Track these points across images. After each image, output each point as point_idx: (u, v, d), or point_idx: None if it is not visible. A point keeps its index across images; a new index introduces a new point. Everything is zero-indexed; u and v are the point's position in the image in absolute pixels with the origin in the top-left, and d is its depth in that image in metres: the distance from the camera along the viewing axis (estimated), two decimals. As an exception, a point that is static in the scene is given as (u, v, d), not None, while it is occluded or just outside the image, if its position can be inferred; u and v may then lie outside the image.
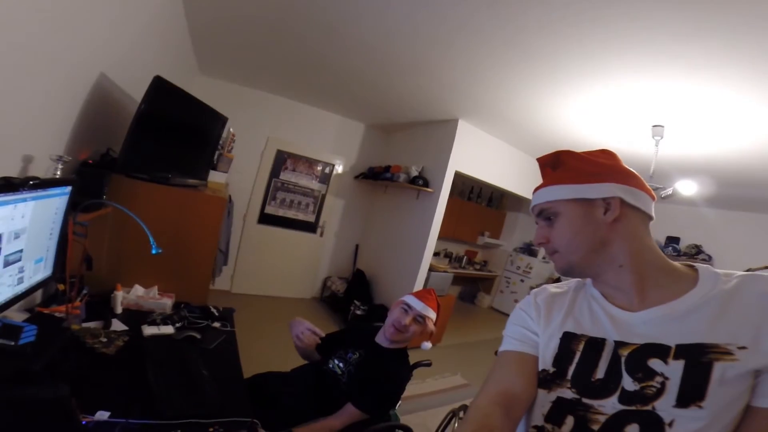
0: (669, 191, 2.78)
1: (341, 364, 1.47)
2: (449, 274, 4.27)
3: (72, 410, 0.76)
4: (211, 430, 0.98)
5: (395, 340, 1.47)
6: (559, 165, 0.71)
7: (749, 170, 2.91)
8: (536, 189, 0.74)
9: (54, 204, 1.11)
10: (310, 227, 4.68)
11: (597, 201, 0.65)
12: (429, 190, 3.80)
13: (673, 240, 4.74)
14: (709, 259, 4.41)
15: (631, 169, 0.69)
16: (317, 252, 4.78)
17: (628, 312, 0.63)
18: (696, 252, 4.51)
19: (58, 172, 1.27)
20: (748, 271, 0.64)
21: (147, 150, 1.79)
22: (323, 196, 4.70)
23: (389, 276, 4.23)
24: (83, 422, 0.82)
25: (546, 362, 0.67)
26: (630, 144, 2.97)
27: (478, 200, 6.25)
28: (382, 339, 1.51)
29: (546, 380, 0.66)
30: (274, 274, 4.50)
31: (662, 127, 2.47)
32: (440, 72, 2.64)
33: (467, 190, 6.09)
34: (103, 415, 0.89)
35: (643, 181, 0.67)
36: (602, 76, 2.10)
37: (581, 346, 0.64)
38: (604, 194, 0.64)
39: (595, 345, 0.63)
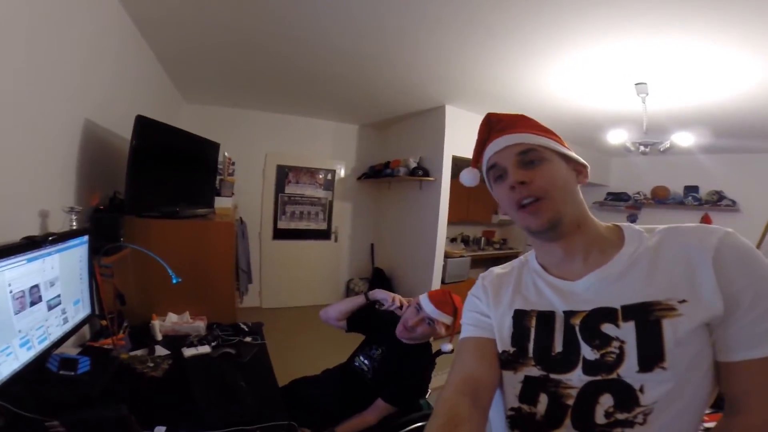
0: (667, 144, 2.77)
1: (366, 361, 1.53)
2: (466, 258, 4.30)
3: (133, 427, 0.86)
4: (256, 435, 1.05)
5: (403, 337, 1.48)
6: (523, 124, 0.70)
7: (746, 116, 2.87)
8: (507, 132, 0.68)
9: (77, 253, 1.23)
10: (323, 234, 4.80)
11: (572, 164, 0.66)
12: (430, 179, 3.85)
13: (691, 189, 4.62)
14: (733, 204, 4.29)
15: None
16: (335, 257, 4.89)
17: (570, 281, 0.63)
18: (718, 198, 4.36)
19: (74, 223, 1.37)
20: None
21: (149, 188, 1.89)
22: (330, 203, 4.81)
23: (408, 269, 4.30)
24: None
25: (504, 343, 0.66)
26: (616, 103, 2.97)
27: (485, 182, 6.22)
28: (398, 334, 1.51)
29: (509, 361, 0.65)
30: (298, 285, 4.64)
31: (645, 84, 2.47)
32: (416, 62, 2.67)
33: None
34: (160, 429, 0.99)
35: None
36: (576, 39, 2.10)
37: (533, 322, 0.64)
38: (579, 159, 0.67)
39: (546, 318, 0.63)
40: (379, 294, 1.70)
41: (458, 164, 3.96)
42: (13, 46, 1.12)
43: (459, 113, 3.77)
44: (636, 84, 2.50)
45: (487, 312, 0.72)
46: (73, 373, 1.05)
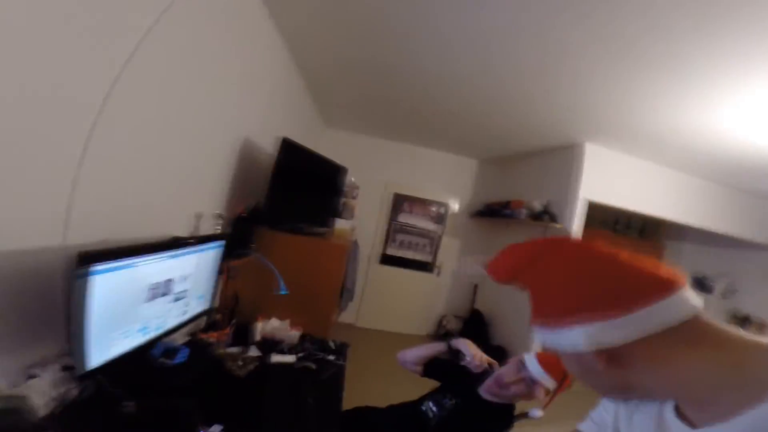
0: None
1: (435, 408, 1.44)
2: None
3: (193, 420, 0.98)
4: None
5: (492, 393, 1.36)
6: (519, 283, 0.57)
7: None
8: None
9: (212, 254, 1.49)
10: (427, 267, 4.80)
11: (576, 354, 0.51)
12: (557, 225, 3.47)
13: None
14: None
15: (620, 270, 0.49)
16: (434, 291, 4.82)
17: (687, 426, 0.47)
18: None
19: (219, 227, 1.69)
20: None
21: (284, 203, 2.21)
22: (439, 237, 4.79)
23: (511, 317, 3.92)
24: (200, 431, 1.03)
25: None
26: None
27: (627, 231, 5.34)
28: (483, 390, 1.41)
29: None
30: (393, 311, 4.72)
31: None
32: (553, 96, 2.49)
33: (611, 220, 5.29)
34: (216, 428, 1.09)
35: (652, 279, 0.47)
36: (758, 72, 1.68)
37: None
38: (572, 346, 0.50)
39: None
40: (462, 345, 1.59)
41: (592, 212, 3.50)
42: (189, 76, 1.40)
43: (601, 152, 3.33)
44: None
45: (615, 416, 0.60)
46: (170, 362, 1.24)
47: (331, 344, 2.07)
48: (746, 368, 0.42)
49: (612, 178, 3.39)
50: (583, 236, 3.43)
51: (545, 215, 3.53)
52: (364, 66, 2.59)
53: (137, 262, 1.02)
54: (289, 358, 1.76)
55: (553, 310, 0.51)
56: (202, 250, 1.38)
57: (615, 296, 0.47)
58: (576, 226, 3.34)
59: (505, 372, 1.33)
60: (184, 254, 1.25)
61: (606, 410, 0.63)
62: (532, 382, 1.28)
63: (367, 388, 2.42)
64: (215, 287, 1.57)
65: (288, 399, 1.42)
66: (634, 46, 1.72)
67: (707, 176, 3.59)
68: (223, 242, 1.56)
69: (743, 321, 4.64)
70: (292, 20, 2.10)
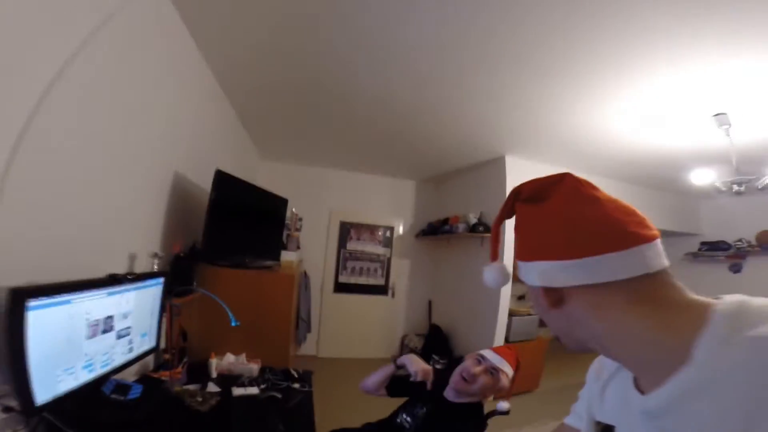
0: (765, 179, 2.41)
1: (409, 419, 1.45)
2: (533, 316, 3.95)
3: None
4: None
5: (460, 391, 1.40)
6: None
7: None
8: None
9: (152, 292, 1.43)
10: (381, 290, 4.84)
11: (532, 288, 0.53)
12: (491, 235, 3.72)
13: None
14: None
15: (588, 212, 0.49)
16: (392, 312, 4.85)
17: (640, 394, 0.47)
18: None
19: (155, 266, 1.60)
20: None
21: (224, 239, 2.14)
22: (389, 259, 4.89)
23: (467, 327, 4.06)
24: None
25: None
26: (696, 139, 2.68)
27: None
28: (449, 393, 1.45)
29: None
30: (354, 337, 4.65)
31: (725, 114, 2.24)
32: (473, 112, 2.72)
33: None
34: None
35: (618, 226, 0.47)
36: (641, 72, 1.97)
37: None
38: (530, 280, 0.52)
39: None
40: (405, 360, 1.59)
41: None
42: (112, 106, 1.31)
43: (520, 163, 3.70)
44: (714, 115, 2.27)
45: (588, 403, 0.61)
46: (123, 398, 1.16)
47: (294, 373, 2.00)
48: (675, 328, 0.42)
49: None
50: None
51: (480, 227, 3.78)
52: (295, 92, 2.62)
53: (74, 299, 0.98)
54: (253, 390, 1.68)
55: (522, 247, 0.54)
56: (140, 287, 1.33)
57: (569, 240, 0.47)
58: (508, 233, 3.59)
59: (468, 365, 1.39)
60: (121, 291, 1.20)
61: (583, 399, 0.64)
62: (494, 371, 1.37)
63: (337, 413, 2.33)
64: (159, 325, 1.48)
65: (258, 429, 1.36)
66: (531, 60, 1.95)
67: (617, 176, 4.11)
68: (162, 279, 1.49)
69: None
70: (220, 50, 2.09)
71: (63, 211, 1.13)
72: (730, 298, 0.41)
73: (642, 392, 0.46)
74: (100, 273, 1.22)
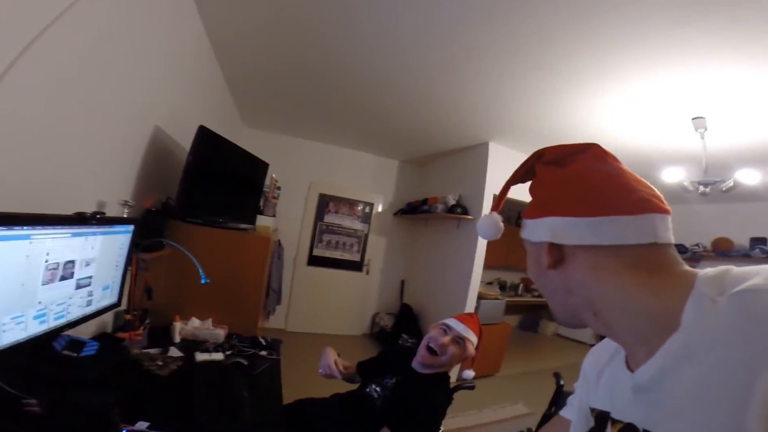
0: (730, 183, 2.53)
1: (378, 389, 1.45)
2: (501, 301, 4.07)
3: (113, 416, 0.85)
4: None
5: (428, 364, 1.40)
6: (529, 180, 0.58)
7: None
8: None
9: (119, 240, 1.31)
10: (356, 266, 4.81)
11: (537, 243, 0.52)
12: (468, 217, 3.77)
13: (759, 241, 4.14)
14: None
15: (603, 177, 0.49)
16: (364, 289, 4.85)
17: (630, 373, 0.46)
18: (795, 252, 3.87)
19: (125, 215, 1.49)
20: None
21: (199, 197, 2.03)
22: (366, 235, 4.85)
23: (437, 308, 4.14)
24: (123, 430, 0.89)
25: None
26: (673, 140, 2.79)
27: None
28: (416, 364, 1.45)
29: None
30: (325, 313, 4.62)
31: (703, 118, 2.31)
32: (461, 98, 2.73)
33: (514, 216, 5.91)
34: (142, 425, 0.96)
35: (627, 189, 0.47)
36: (628, 72, 2.04)
37: (593, 422, 0.52)
38: (537, 236, 0.52)
39: (601, 420, 0.50)
40: (321, 360, 1.62)
41: (509, 205, 3.86)
42: (102, 51, 1.27)
43: (503, 151, 3.74)
44: (693, 119, 2.35)
45: (583, 393, 0.60)
46: (75, 355, 1.06)
47: (262, 340, 1.95)
48: (665, 296, 0.41)
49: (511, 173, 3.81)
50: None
51: (458, 208, 3.82)
52: (286, 63, 2.57)
53: (33, 234, 0.86)
54: (217, 356, 1.62)
55: (536, 203, 0.54)
56: (107, 232, 1.21)
57: (585, 198, 0.47)
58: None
59: (435, 336, 1.40)
60: (87, 234, 1.08)
61: (578, 390, 0.64)
62: (461, 340, 1.39)
63: (304, 385, 2.33)
64: (123, 278, 1.38)
65: (220, 395, 1.30)
66: (521, 50, 1.98)
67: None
68: (131, 227, 1.37)
69: None
70: (217, 13, 2.02)
71: (34, 145, 1.04)
72: (714, 268, 0.41)
73: (632, 371, 0.45)
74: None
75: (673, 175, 2.95)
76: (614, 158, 0.51)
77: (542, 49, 1.95)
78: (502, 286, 5.84)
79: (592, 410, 0.53)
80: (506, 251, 5.32)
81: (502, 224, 0.62)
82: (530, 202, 0.55)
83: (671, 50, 1.77)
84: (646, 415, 0.42)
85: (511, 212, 5.78)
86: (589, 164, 0.50)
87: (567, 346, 5.62)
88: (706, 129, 2.36)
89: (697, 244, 4.76)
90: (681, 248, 4.94)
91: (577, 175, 0.50)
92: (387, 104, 3.06)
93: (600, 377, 0.55)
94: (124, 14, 1.34)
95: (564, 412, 0.68)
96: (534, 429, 1.60)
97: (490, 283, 5.57)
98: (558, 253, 0.49)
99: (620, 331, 0.46)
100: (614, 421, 0.47)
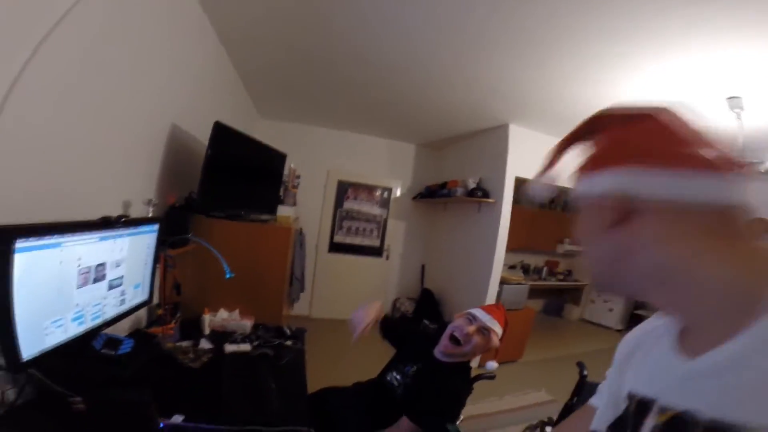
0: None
1: (399, 377, 1.47)
2: (524, 285, 4.01)
3: (151, 412, 0.90)
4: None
5: (450, 353, 1.40)
6: (591, 138, 0.52)
7: None
8: None
9: (146, 240, 1.36)
10: (376, 251, 4.84)
11: (599, 198, 0.46)
12: (490, 200, 3.70)
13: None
14: None
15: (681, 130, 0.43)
16: (385, 275, 4.89)
17: (686, 358, 0.42)
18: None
19: (150, 213, 1.54)
20: None
21: (220, 191, 2.07)
22: (385, 221, 4.85)
23: (458, 293, 4.13)
24: (161, 424, 0.94)
25: (601, 423, 0.52)
26: (706, 121, 2.61)
27: (551, 207, 5.87)
28: (438, 353, 1.45)
29: None
30: (347, 298, 4.66)
31: (739, 98, 2.16)
32: (477, 80, 2.64)
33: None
34: (177, 418, 1.02)
35: (711, 145, 0.42)
36: (656, 51, 1.91)
37: (632, 409, 0.47)
38: (599, 188, 0.46)
39: (643, 407, 0.45)
40: (354, 319, 1.48)
41: (521, 187, 3.77)
42: (113, 56, 1.28)
43: (522, 132, 3.61)
44: (728, 98, 2.20)
45: (617, 379, 0.56)
46: (113, 353, 1.12)
47: (287, 330, 2.01)
48: (749, 271, 0.37)
49: (534, 155, 3.67)
50: (520, 214, 3.74)
51: (478, 191, 3.74)
52: (295, 52, 2.53)
53: (64, 242, 0.90)
54: (245, 347, 1.68)
55: (602, 154, 0.48)
56: (133, 233, 1.25)
57: (669, 147, 0.42)
58: (506, 200, 3.58)
59: (460, 325, 1.39)
60: (114, 236, 1.12)
61: (611, 377, 0.60)
62: (485, 331, 1.37)
63: (328, 372, 2.40)
64: (152, 276, 1.43)
65: (249, 386, 1.36)
66: (538, 32, 1.88)
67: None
68: (156, 226, 1.42)
69: None
70: (222, 7, 2.00)
71: (57, 153, 1.07)
72: None
73: (689, 355, 0.41)
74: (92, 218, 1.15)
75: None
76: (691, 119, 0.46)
77: (561, 30, 1.85)
78: (526, 270, 5.76)
79: (631, 396, 0.48)
80: (528, 233, 5.23)
81: (555, 183, 0.58)
82: (592, 154, 0.49)
83: (697, 30, 1.66)
84: (716, 401, 0.37)
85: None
86: (668, 117, 0.44)
87: (593, 331, 5.51)
88: (742, 109, 2.20)
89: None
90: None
91: (657, 125, 0.44)
92: (401, 89, 2.98)
93: (642, 361, 0.51)
94: (126, 14, 1.33)
95: (593, 400, 0.65)
96: (555, 418, 1.58)
97: (512, 267, 5.50)
98: (627, 208, 0.43)
99: (689, 304, 0.41)
100: (663, 409, 0.41)
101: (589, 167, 0.49)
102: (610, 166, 0.45)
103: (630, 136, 0.46)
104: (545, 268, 5.82)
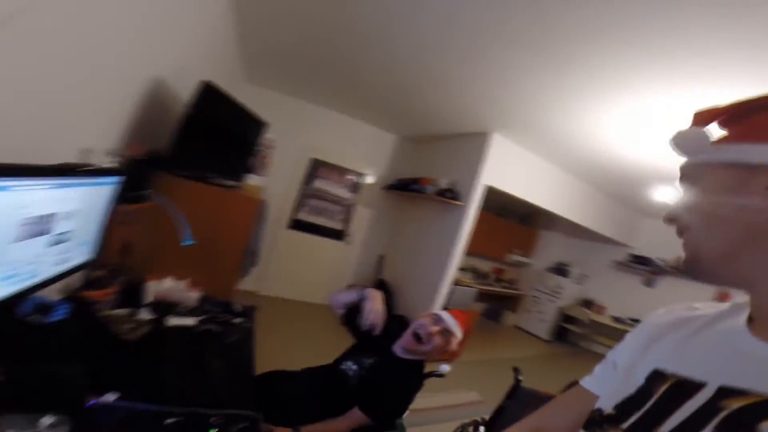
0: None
1: (355, 367, 1.47)
2: (473, 288, 4.18)
3: (79, 389, 0.81)
4: (212, 420, 0.97)
5: (411, 350, 1.43)
6: (740, 121, 0.47)
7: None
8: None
9: (103, 192, 1.21)
10: (337, 235, 4.77)
11: (762, 168, 0.42)
12: (458, 203, 3.77)
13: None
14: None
15: None
16: (343, 259, 4.85)
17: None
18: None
19: (106, 165, 1.38)
20: None
21: (191, 150, 1.91)
22: (352, 206, 4.79)
23: (412, 287, 4.21)
24: (91, 402, 0.85)
25: (607, 402, 0.50)
26: (671, 159, 2.83)
27: (509, 217, 6.11)
28: (398, 349, 1.48)
29: (595, 421, 0.49)
30: (299, 279, 4.60)
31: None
32: (472, 83, 2.65)
33: (497, 205, 5.98)
34: (110, 396, 0.92)
35: None
36: (641, 85, 2.02)
37: (663, 388, 0.45)
38: (753, 157, 0.42)
39: (684, 389, 0.43)
40: (367, 294, 1.55)
41: (490, 195, 3.88)
42: None
43: (504, 143, 3.71)
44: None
45: (620, 358, 0.56)
46: (43, 321, 0.99)
47: (236, 307, 1.93)
48: None
49: (509, 167, 3.82)
50: (478, 218, 3.86)
51: (448, 193, 3.81)
52: (304, 25, 2.43)
53: (14, 186, 0.76)
54: (189, 321, 1.58)
55: None
56: (94, 183, 1.11)
57: None
58: (472, 205, 3.68)
59: (425, 324, 1.42)
60: (73, 185, 0.99)
61: (622, 355, 0.58)
62: (447, 333, 1.41)
63: (276, 354, 2.36)
64: (103, 234, 1.30)
65: (191, 363, 1.28)
66: (541, 46, 1.92)
67: (583, 177, 4.29)
68: (118, 178, 1.28)
69: (587, 303, 5.80)
70: None
71: (14, 87, 0.92)
72: None
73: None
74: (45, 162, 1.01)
75: (664, 195, 3.02)
76: None
77: (556, 49, 1.91)
78: (475, 273, 5.99)
79: (658, 376, 0.47)
80: (485, 239, 5.42)
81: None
82: (741, 129, 0.46)
83: (680, 70, 1.77)
84: None
85: (492, 202, 5.83)
86: None
87: (524, 339, 5.88)
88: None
89: (661, 259, 5.01)
90: (646, 261, 5.20)
91: None
92: (395, 77, 2.93)
93: (688, 342, 0.48)
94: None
95: (588, 383, 0.60)
96: (487, 419, 1.66)
97: (464, 269, 5.70)
98: None
99: None
100: (729, 391, 0.39)
101: (745, 135, 0.45)
102: None
103: None
104: (493, 275, 6.10)
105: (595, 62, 1.94)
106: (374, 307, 1.50)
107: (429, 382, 1.61)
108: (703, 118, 0.48)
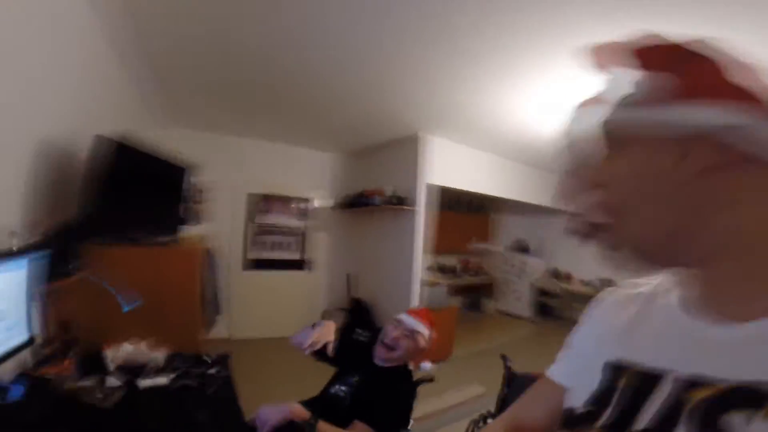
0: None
1: (344, 387, 1.46)
2: (442, 285, 4.26)
3: None
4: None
5: (387, 359, 1.46)
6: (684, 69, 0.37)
7: None
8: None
9: (15, 277, 1.11)
10: (297, 265, 4.68)
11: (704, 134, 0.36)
12: (406, 207, 3.86)
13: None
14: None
15: None
16: (310, 287, 4.76)
17: (721, 325, 0.37)
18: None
19: (14, 248, 1.24)
20: None
21: (106, 213, 1.75)
22: (305, 233, 4.73)
23: (386, 298, 4.20)
24: None
25: (577, 398, 0.48)
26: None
27: (460, 209, 6.35)
28: (378, 360, 1.50)
29: (571, 422, 0.46)
30: (270, 316, 4.44)
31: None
32: (392, 90, 2.74)
33: (448, 201, 6.19)
34: None
35: None
36: (558, 63, 2.15)
37: (623, 381, 0.43)
38: (703, 126, 0.35)
39: (645, 381, 0.40)
40: (297, 339, 1.61)
41: (446, 192, 3.99)
42: None
43: (435, 141, 3.86)
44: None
45: (579, 345, 0.56)
46: (1, 401, 0.92)
47: (207, 358, 1.82)
48: None
49: (447, 164, 3.99)
50: (433, 218, 3.98)
51: (396, 200, 3.91)
52: (213, 51, 2.35)
53: None
54: (162, 380, 1.48)
55: (708, 82, 0.36)
56: (9, 267, 1.03)
57: None
58: (420, 206, 3.80)
59: (388, 331, 1.47)
60: None
61: (584, 341, 0.56)
62: (412, 333, 1.46)
63: (263, 395, 2.23)
64: (36, 312, 1.18)
65: (176, 421, 1.22)
66: (450, 41, 2.02)
67: (516, 158, 4.57)
68: (26, 260, 1.17)
69: (556, 274, 6.07)
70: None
71: None
72: None
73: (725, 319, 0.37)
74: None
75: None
76: None
77: (470, 40, 2.00)
78: (442, 269, 6.11)
79: (616, 367, 0.45)
80: (444, 236, 5.57)
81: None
82: (687, 81, 0.36)
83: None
84: None
85: (443, 198, 6.05)
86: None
87: (508, 322, 6.08)
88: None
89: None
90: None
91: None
92: (313, 94, 2.93)
93: (635, 328, 0.46)
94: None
95: (553, 374, 0.59)
96: (493, 411, 1.67)
97: (429, 268, 5.80)
98: (720, 161, 0.35)
99: (746, 280, 0.36)
100: (693, 382, 0.36)
101: (678, 93, 0.37)
102: (721, 100, 0.35)
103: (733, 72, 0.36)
104: (459, 267, 6.26)
105: (508, 45, 2.02)
106: (314, 332, 1.54)
107: (430, 386, 1.63)
108: (610, 55, 0.41)
